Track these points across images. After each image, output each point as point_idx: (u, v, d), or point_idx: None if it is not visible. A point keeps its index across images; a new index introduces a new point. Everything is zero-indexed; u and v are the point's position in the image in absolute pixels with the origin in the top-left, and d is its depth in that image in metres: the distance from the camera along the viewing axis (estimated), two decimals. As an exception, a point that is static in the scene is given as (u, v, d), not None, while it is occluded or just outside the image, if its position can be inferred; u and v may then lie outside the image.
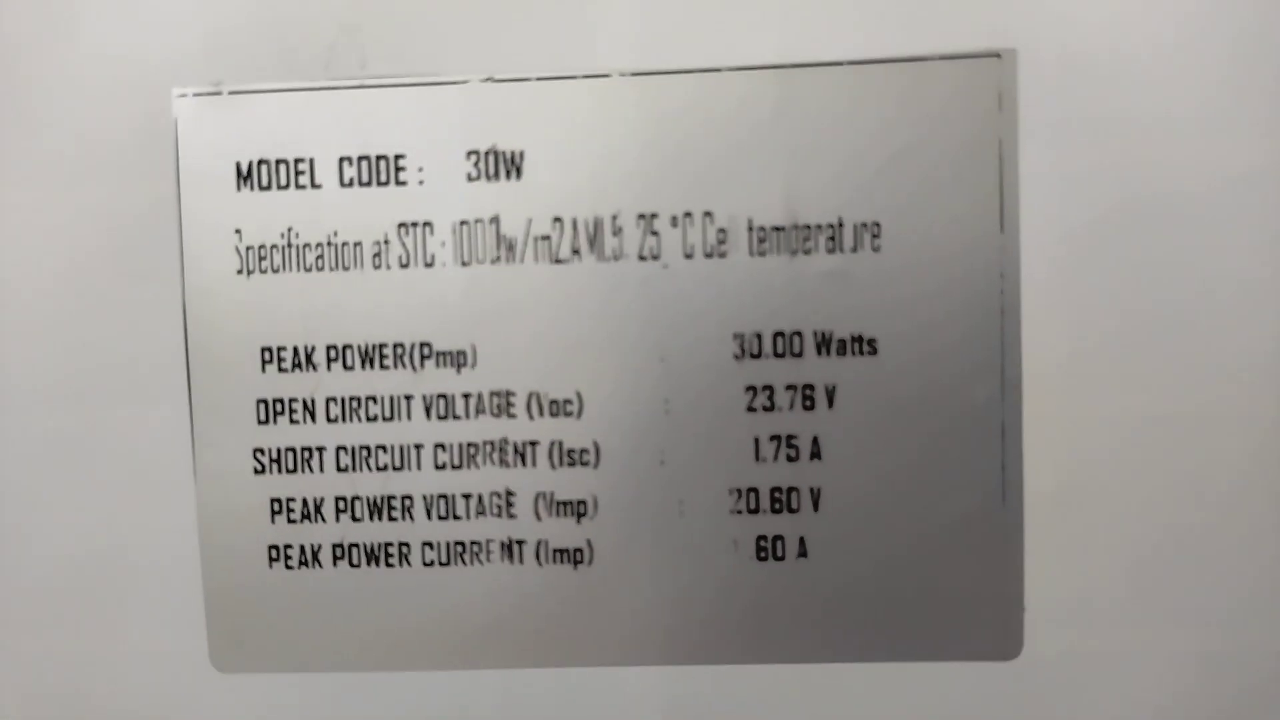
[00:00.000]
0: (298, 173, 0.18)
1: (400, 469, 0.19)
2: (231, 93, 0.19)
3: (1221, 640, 0.18)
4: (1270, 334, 0.18)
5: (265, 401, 0.19)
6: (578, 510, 0.19)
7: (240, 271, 0.19)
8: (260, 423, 0.19)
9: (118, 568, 0.19)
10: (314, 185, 0.18)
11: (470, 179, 0.18)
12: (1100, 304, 0.18)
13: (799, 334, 0.18)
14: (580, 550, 0.19)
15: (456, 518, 0.19)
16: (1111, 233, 0.18)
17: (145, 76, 0.19)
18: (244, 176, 0.19)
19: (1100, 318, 0.18)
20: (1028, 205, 0.18)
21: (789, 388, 0.18)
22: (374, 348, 0.19)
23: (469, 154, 0.18)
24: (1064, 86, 0.18)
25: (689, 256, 0.18)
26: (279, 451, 0.19)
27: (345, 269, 0.19)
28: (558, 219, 0.18)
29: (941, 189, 0.18)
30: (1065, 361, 0.18)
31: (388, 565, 0.19)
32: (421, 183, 0.18)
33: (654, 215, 0.18)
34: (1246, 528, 0.18)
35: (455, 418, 0.19)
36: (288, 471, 0.19)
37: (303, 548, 0.19)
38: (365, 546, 0.19)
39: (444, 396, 0.19)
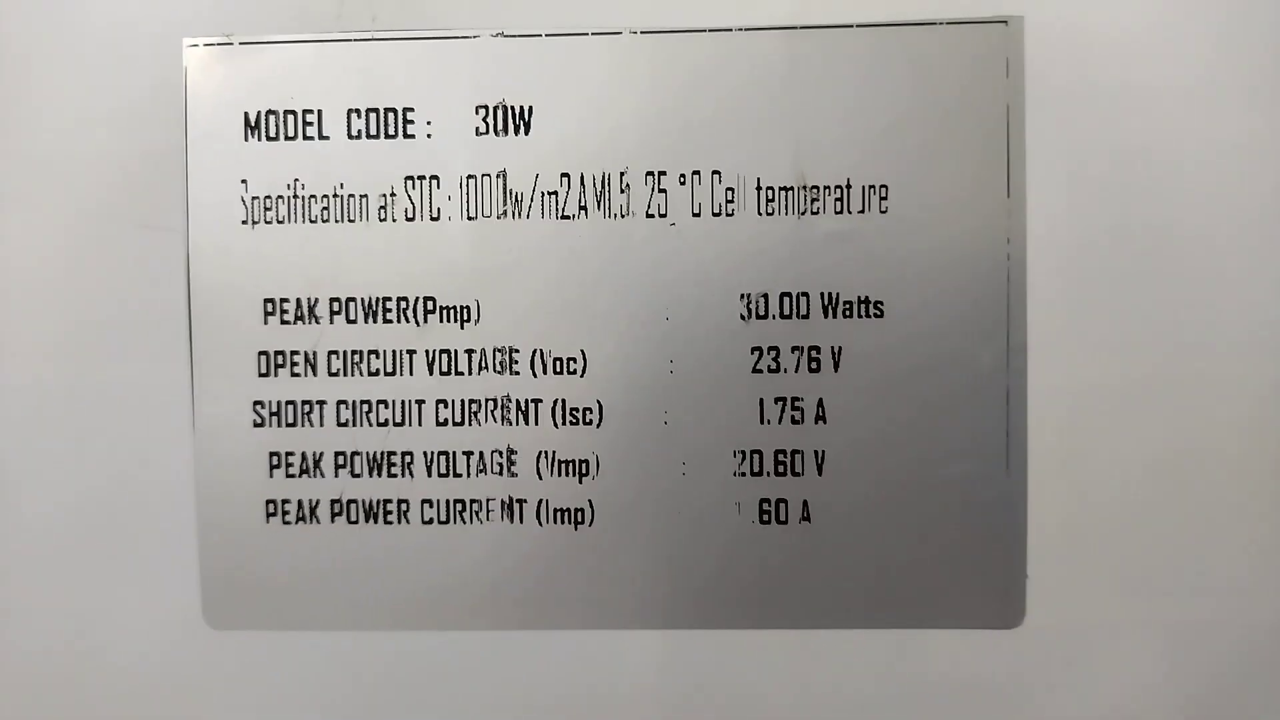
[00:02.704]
0: (305, 124, 0.18)
1: (401, 425, 0.19)
2: (242, 43, 0.18)
3: (1223, 609, 0.18)
4: (1276, 300, 0.18)
5: (266, 354, 0.19)
6: (579, 470, 0.19)
7: (245, 222, 0.19)
8: (260, 375, 0.19)
9: (113, 521, 0.19)
10: (321, 137, 0.18)
11: (478, 133, 0.18)
12: (1105, 269, 0.18)
13: (805, 295, 0.18)
14: (581, 510, 0.19)
15: (457, 475, 0.19)
16: (1117, 197, 0.18)
17: (157, 26, 0.19)
18: (251, 127, 0.18)
19: (1105, 283, 0.18)
20: (1034, 170, 0.18)
21: (795, 349, 0.18)
22: (377, 301, 0.19)
23: (478, 108, 0.18)
24: (1070, 53, 0.18)
25: (696, 215, 0.18)
26: (279, 405, 0.19)
27: (351, 221, 0.18)
28: (565, 175, 0.18)
29: (949, 153, 0.18)
30: (1071, 327, 0.18)
31: (386, 522, 0.19)
32: (429, 136, 0.18)
33: (662, 173, 0.18)
34: (1250, 495, 0.18)
35: (458, 374, 0.19)
36: (287, 425, 0.19)
37: (300, 503, 0.19)
38: (364, 503, 0.19)
39: (447, 352, 0.19)
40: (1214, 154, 0.18)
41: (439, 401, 0.19)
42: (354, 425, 0.19)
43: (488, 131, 0.18)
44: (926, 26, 0.18)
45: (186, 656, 0.19)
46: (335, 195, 0.18)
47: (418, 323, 0.19)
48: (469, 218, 0.18)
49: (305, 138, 0.18)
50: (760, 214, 0.18)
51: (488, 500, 0.19)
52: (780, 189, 0.18)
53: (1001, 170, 0.18)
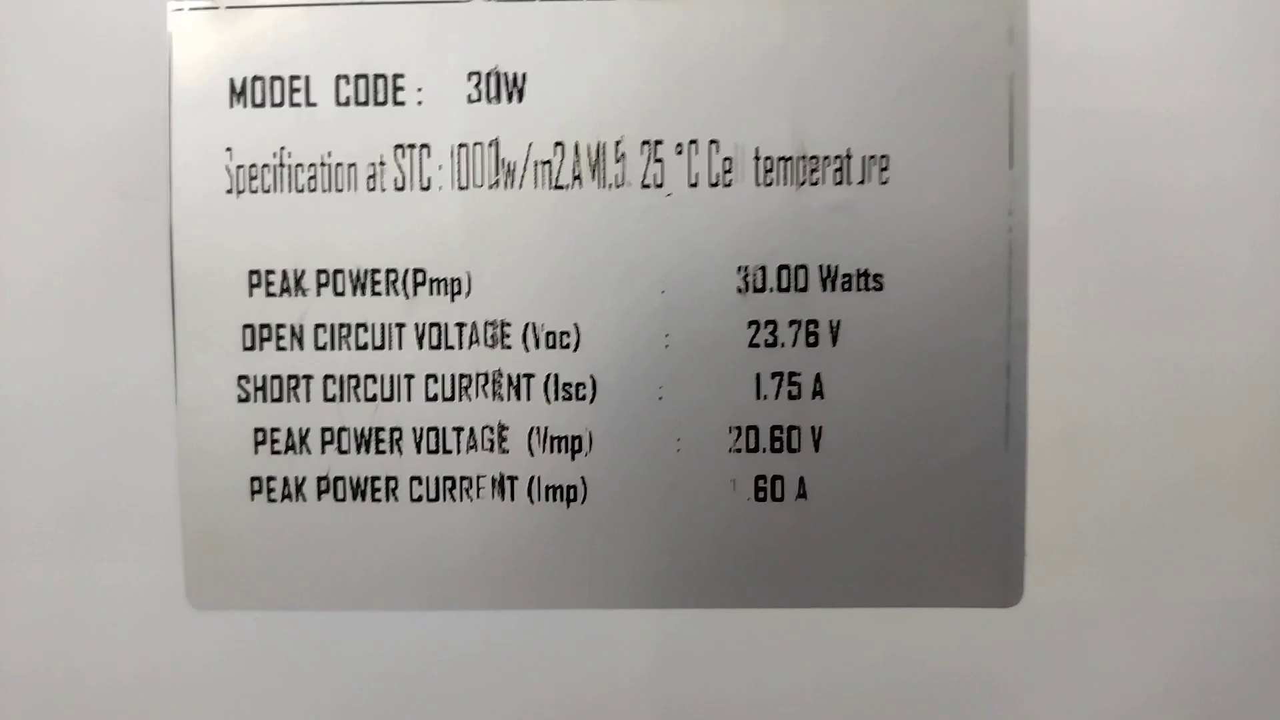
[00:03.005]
0: (293, 90, 0.18)
1: (390, 400, 0.18)
2: (229, 7, 0.18)
3: (1223, 588, 0.18)
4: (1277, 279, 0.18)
5: (251, 327, 0.18)
6: (572, 446, 0.18)
7: (230, 191, 0.18)
8: (246, 349, 0.18)
9: (93, 498, 0.18)
10: (309, 104, 0.18)
11: (470, 101, 0.18)
12: (1108, 242, 0.18)
13: (804, 267, 0.18)
14: (574, 487, 0.18)
15: (447, 451, 0.18)
16: (1122, 170, 0.18)
17: (138, -12, 0.18)
18: (237, 93, 0.18)
19: (1108, 256, 0.18)
20: (1038, 142, 0.18)
21: (792, 323, 0.18)
22: (366, 273, 0.18)
23: (470, 75, 0.18)
24: (1075, 22, 0.18)
25: (693, 185, 0.18)
26: (264, 379, 0.18)
27: (339, 191, 0.18)
28: (559, 144, 0.18)
29: (951, 123, 0.18)
30: (1073, 302, 0.18)
31: (374, 500, 0.18)
32: (420, 103, 0.18)
33: (658, 142, 0.18)
34: (1253, 473, 0.18)
35: (448, 348, 0.18)
36: (273, 400, 0.18)
37: (286, 480, 0.18)
38: (351, 480, 0.18)
39: (437, 325, 0.18)
40: (1222, 125, 0.18)
41: (428, 376, 0.18)
42: (341, 400, 0.18)
43: (480, 99, 0.18)
44: (928, -6, 0.18)
45: (169, 637, 0.19)
46: (323, 164, 0.18)
47: (407, 295, 0.18)
48: (460, 187, 0.18)
49: (292, 104, 0.18)
50: (758, 184, 0.18)
51: (478, 477, 0.18)
52: (779, 159, 0.18)
53: (1004, 141, 0.18)
